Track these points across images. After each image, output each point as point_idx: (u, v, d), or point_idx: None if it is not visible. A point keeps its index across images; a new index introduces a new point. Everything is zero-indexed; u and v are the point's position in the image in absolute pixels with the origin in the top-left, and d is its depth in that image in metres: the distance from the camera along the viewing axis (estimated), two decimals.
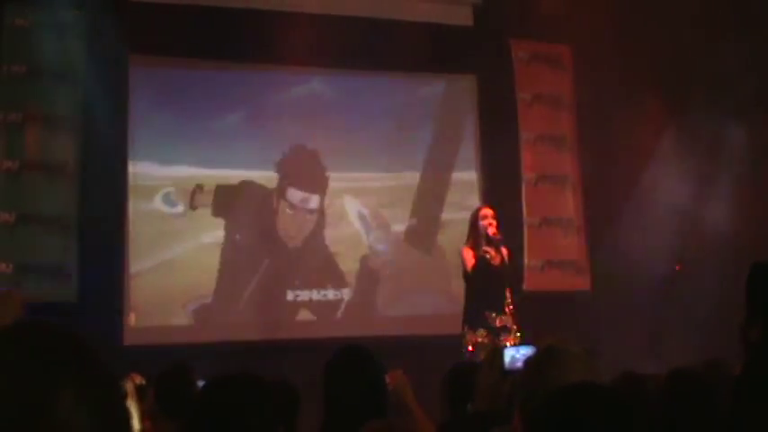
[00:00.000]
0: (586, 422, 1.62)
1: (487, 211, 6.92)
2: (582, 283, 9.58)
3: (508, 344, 6.56)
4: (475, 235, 6.86)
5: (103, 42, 8.22)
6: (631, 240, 9.35)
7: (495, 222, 6.85)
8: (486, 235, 6.79)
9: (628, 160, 9.56)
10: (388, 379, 3.41)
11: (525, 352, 2.37)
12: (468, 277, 6.88)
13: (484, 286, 6.79)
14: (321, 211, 8.92)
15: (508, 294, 6.83)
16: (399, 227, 9.08)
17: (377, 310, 8.80)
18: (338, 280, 8.84)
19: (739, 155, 9.48)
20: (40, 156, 7.92)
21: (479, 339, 6.64)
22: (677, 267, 9.11)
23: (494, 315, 6.70)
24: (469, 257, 6.86)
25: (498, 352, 2.36)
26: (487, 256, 6.77)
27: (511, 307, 6.79)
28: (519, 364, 2.35)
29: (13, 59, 7.93)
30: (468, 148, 9.46)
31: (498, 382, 2.31)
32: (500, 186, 9.31)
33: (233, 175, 8.65)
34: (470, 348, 6.64)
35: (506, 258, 6.92)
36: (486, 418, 2.30)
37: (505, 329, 6.69)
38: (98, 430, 1.15)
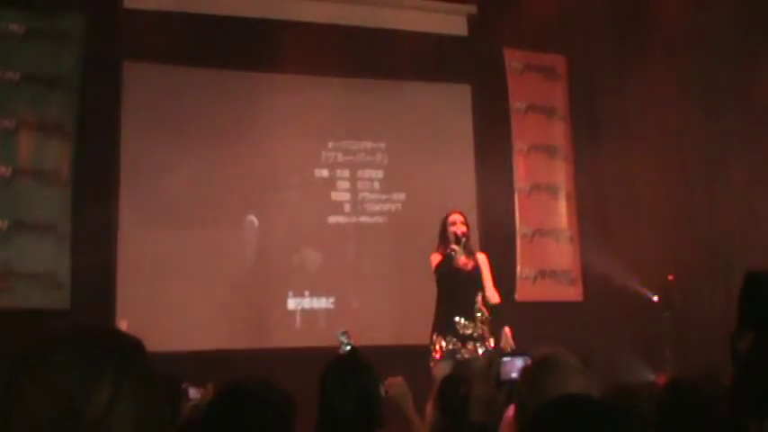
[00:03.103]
0: None
1: (456, 217, 6.85)
2: (574, 293, 9.58)
3: (474, 354, 6.52)
4: (444, 240, 6.81)
5: (98, 49, 8.22)
6: (624, 251, 9.37)
7: (464, 227, 6.78)
8: (455, 235, 6.75)
9: (621, 170, 9.58)
10: (387, 386, 3.39)
11: (520, 362, 2.37)
12: (437, 281, 6.82)
13: (452, 292, 6.69)
14: (317, 220, 8.92)
15: (480, 301, 6.71)
16: (395, 236, 9.06)
17: (374, 318, 8.76)
18: (334, 288, 8.83)
19: (732, 165, 9.51)
20: (34, 162, 7.90)
21: (448, 346, 6.58)
22: (670, 278, 9.12)
23: (462, 321, 6.61)
24: (435, 258, 6.80)
25: (494, 362, 2.35)
26: (454, 254, 6.71)
27: (480, 315, 6.65)
28: (514, 375, 2.34)
29: (7, 65, 7.92)
30: (462, 158, 9.45)
31: (493, 394, 2.31)
32: (493, 196, 9.31)
33: (228, 183, 8.64)
34: (438, 356, 6.61)
35: (480, 264, 6.82)
36: (481, 429, 2.30)
37: (473, 337, 6.59)
38: (135, 425, 1.19)
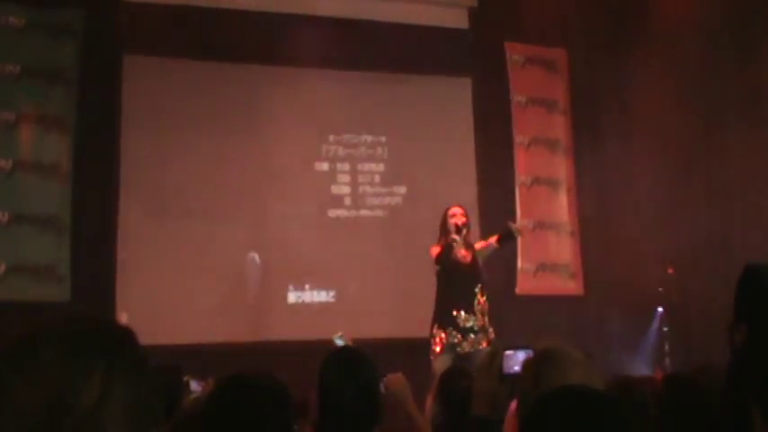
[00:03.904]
0: (578, 425, 1.60)
1: (456, 210, 6.90)
2: (575, 287, 9.57)
3: (476, 346, 6.56)
4: (445, 233, 6.85)
5: (97, 42, 8.21)
6: (624, 244, 9.36)
7: (464, 219, 6.83)
8: (455, 226, 6.77)
9: (621, 164, 9.57)
10: (387, 382, 3.38)
11: (523, 356, 2.36)
12: (437, 275, 6.85)
13: (452, 285, 6.74)
14: (318, 213, 8.91)
15: (479, 294, 6.76)
16: (396, 229, 9.05)
17: (374, 311, 8.76)
18: (334, 282, 8.83)
19: (733, 158, 9.50)
20: (34, 156, 7.91)
21: (448, 339, 6.61)
22: (670, 271, 9.12)
23: (462, 314, 6.65)
24: (435, 250, 6.84)
25: (496, 355, 2.35)
26: (454, 243, 6.74)
27: (480, 307, 6.70)
28: (517, 369, 2.34)
29: (7, 59, 7.92)
30: (463, 151, 9.45)
31: (496, 387, 2.30)
32: (494, 189, 9.30)
33: (228, 176, 8.63)
34: (438, 349, 6.63)
35: (478, 249, 6.88)
36: (483, 423, 2.30)
37: (474, 330, 6.63)
38: (126, 419, 1.18)
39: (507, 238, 7.06)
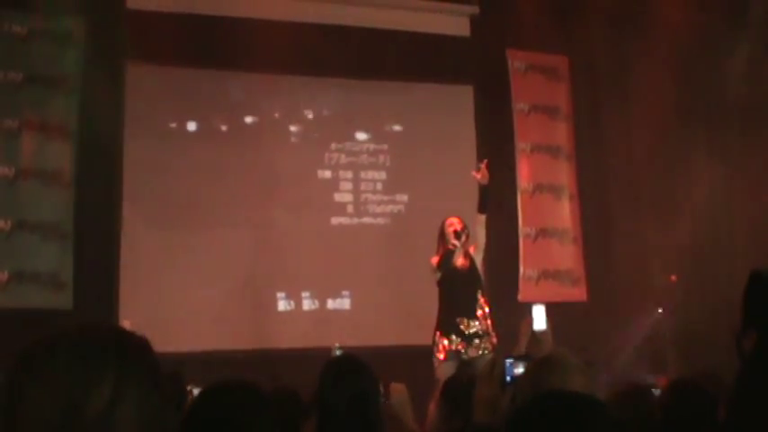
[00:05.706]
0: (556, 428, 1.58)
1: (453, 220, 6.95)
2: (578, 293, 9.56)
3: (481, 351, 6.61)
4: (443, 242, 6.91)
5: (100, 50, 8.22)
6: (627, 251, 9.35)
7: (461, 225, 6.86)
8: (454, 232, 6.80)
9: (624, 170, 9.57)
10: (388, 391, 3.37)
11: (523, 363, 2.37)
12: (438, 283, 6.89)
13: (454, 292, 6.79)
14: (320, 221, 8.92)
15: (481, 299, 6.80)
16: (398, 237, 9.05)
17: (377, 319, 8.76)
18: (337, 290, 8.83)
19: (736, 164, 9.50)
20: (37, 163, 7.90)
21: (451, 346, 6.63)
22: (673, 278, 9.11)
23: (465, 321, 6.69)
24: (435, 260, 6.89)
25: (497, 363, 2.35)
26: (455, 249, 6.76)
27: (482, 312, 6.75)
28: (518, 376, 2.34)
29: (10, 66, 7.92)
30: (465, 159, 9.44)
31: (497, 395, 2.30)
32: (496, 197, 9.29)
33: (230, 184, 8.64)
34: (442, 356, 6.64)
35: (474, 252, 6.90)
36: (485, 430, 2.30)
37: (478, 334, 6.68)
38: (137, 425, 1.20)
39: (484, 198, 7.01)
